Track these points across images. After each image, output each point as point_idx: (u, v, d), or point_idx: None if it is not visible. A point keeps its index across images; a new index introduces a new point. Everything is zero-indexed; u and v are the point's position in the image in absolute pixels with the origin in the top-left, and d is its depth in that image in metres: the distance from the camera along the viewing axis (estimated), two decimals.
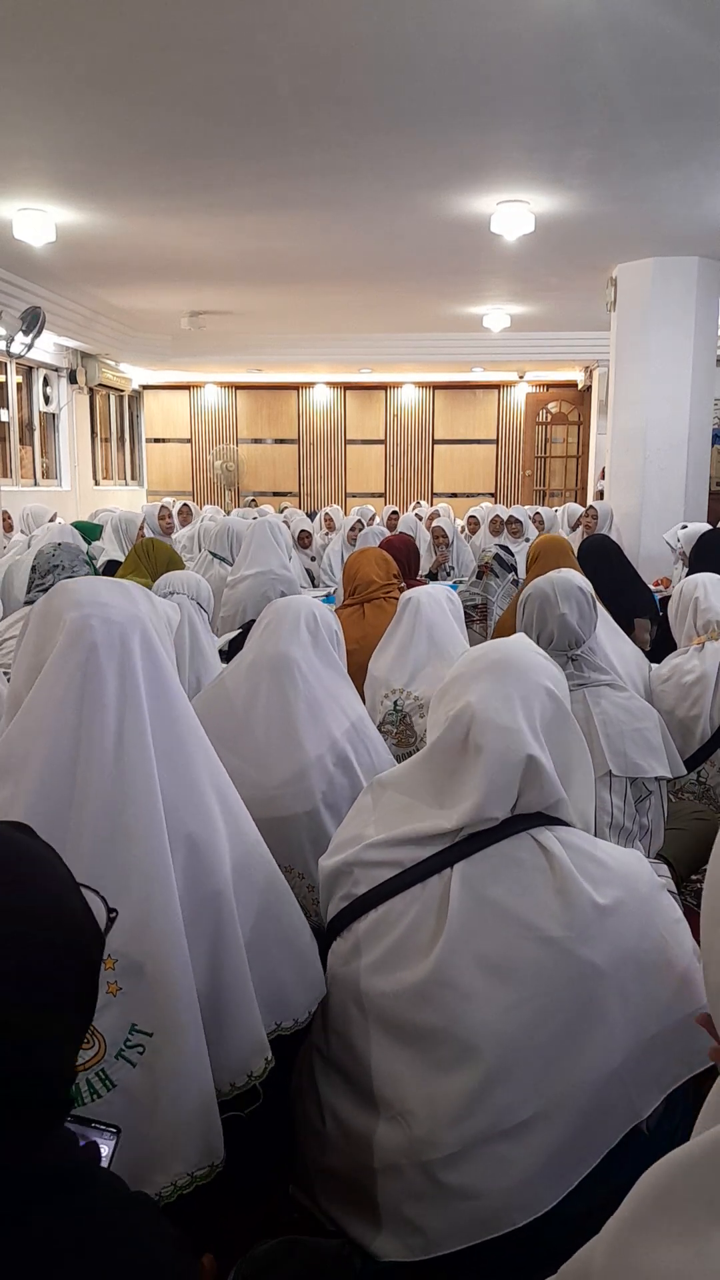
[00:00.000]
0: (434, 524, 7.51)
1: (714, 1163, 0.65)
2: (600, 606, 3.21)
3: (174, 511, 6.84)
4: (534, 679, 1.45)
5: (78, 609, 1.33)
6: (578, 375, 13.18)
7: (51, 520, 6.97)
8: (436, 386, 14.20)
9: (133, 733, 1.29)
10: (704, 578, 3.24)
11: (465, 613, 3.33)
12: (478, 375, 13.55)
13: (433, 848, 1.42)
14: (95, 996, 0.87)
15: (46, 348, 9.60)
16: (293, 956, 1.48)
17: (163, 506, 6.55)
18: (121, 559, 6.05)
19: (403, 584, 3.80)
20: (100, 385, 11.28)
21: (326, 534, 8.07)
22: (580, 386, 13.29)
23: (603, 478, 8.44)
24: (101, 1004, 1.23)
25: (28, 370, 9.87)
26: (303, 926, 1.54)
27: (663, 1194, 0.69)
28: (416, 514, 8.79)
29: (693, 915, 1.18)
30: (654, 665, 3.19)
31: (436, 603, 2.96)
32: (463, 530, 8.47)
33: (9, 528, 7.16)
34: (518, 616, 2.55)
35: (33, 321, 7.82)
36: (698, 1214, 0.65)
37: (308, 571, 7.19)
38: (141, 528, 6.47)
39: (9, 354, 8.29)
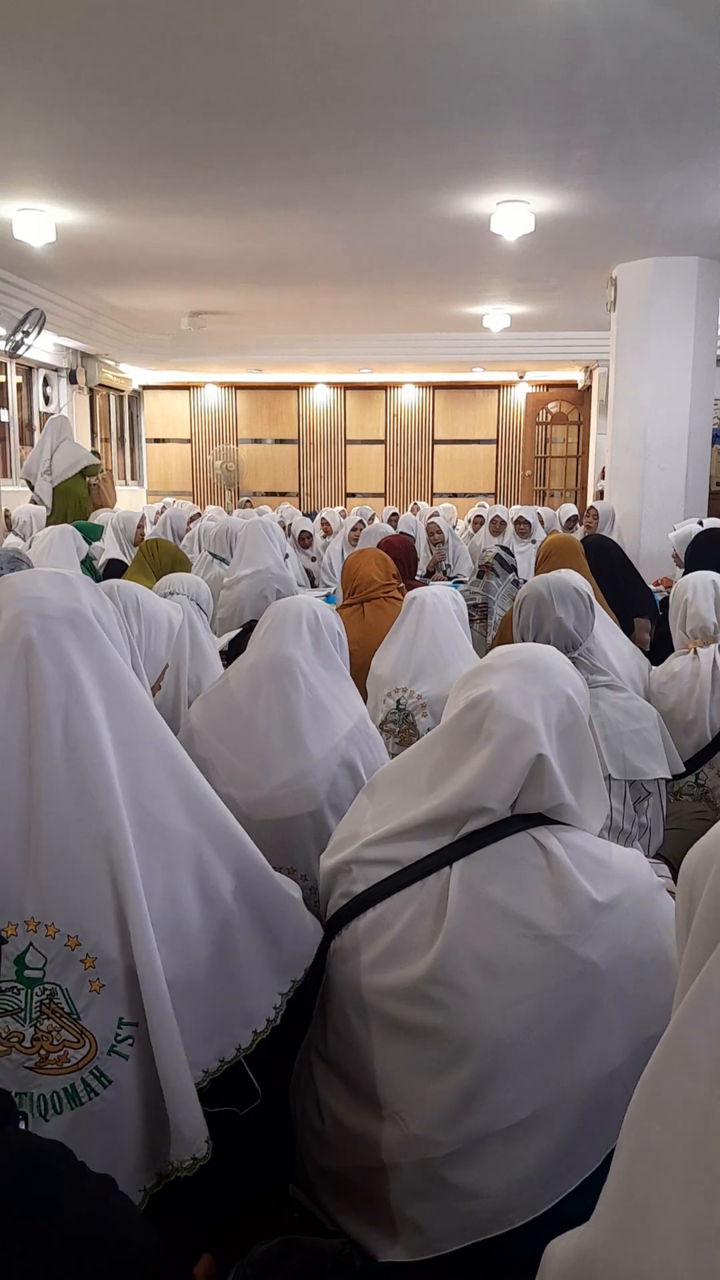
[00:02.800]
0: (429, 521, 7.52)
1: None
2: (600, 606, 3.21)
3: (184, 515, 6.90)
4: (558, 684, 1.46)
5: (13, 605, 1.33)
6: (578, 375, 13.18)
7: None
8: (436, 386, 14.20)
9: (80, 722, 1.28)
10: (695, 579, 3.20)
11: (466, 612, 3.34)
12: (478, 375, 13.55)
13: (431, 846, 1.42)
14: None
15: (46, 348, 9.59)
16: (270, 939, 1.46)
17: (142, 517, 6.65)
18: (122, 558, 6.06)
19: (401, 584, 3.80)
20: (100, 385, 11.28)
21: (324, 537, 8.07)
22: (580, 386, 13.29)
23: (603, 478, 8.44)
24: (85, 1003, 1.23)
25: (28, 370, 9.87)
26: (285, 902, 1.52)
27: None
28: (418, 514, 8.80)
29: None
30: (654, 667, 3.19)
31: (441, 603, 2.96)
32: (466, 530, 8.48)
33: (9, 527, 7.16)
34: (514, 619, 2.55)
35: (33, 324, 7.83)
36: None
37: (307, 572, 7.20)
38: (141, 526, 6.49)
39: (8, 354, 8.29)
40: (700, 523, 5.83)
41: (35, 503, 7.78)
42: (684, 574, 4.78)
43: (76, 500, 7.80)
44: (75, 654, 1.31)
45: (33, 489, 7.99)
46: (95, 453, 8.93)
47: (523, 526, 7.26)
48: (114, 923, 1.25)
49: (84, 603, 1.36)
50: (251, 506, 11.21)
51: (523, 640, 2.45)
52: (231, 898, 1.40)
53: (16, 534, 6.82)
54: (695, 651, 3.02)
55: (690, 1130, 0.67)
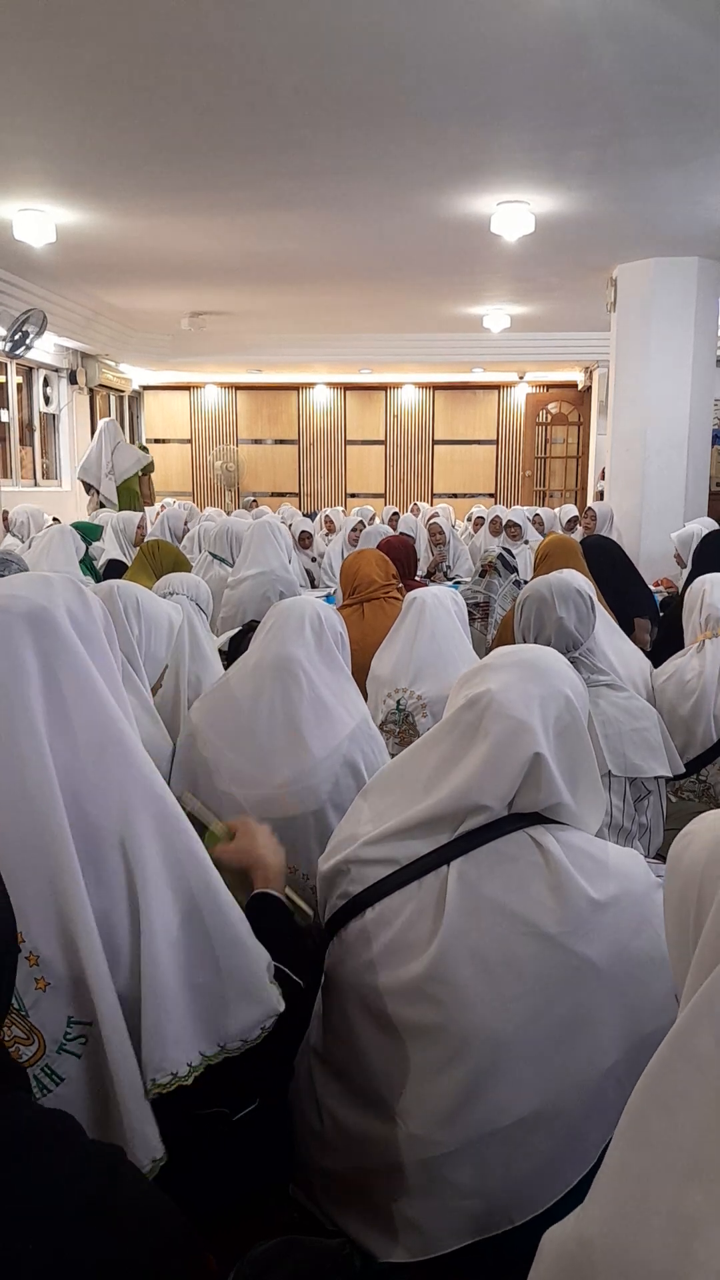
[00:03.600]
0: (430, 521, 7.52)
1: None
2: (601, 607, 3.21)
3: (181, 516, 6.92)
4: (557, 685, 1.46)
5: None
6: (578, 376, 13.18)
7: (55, 522, 6.99)
8: (436, 387, 14.21)
9: (20, 717, 1.27)
10: (716, 576, 3.24)
11: (467, 611, 3.34)
12: (478, 375, 13.56)
13: (429, 845, 1.42)
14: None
15: (46, 348, 9.60)
16: (222, 977, 1.33)
17: (143, 517, 6.77)
18: (122, 558, 6.07)
19: (401, 585, 3.81)
20: (100, 385, 11.28)
21: (327, 535, 8.07)
22: (580, 387, 13.29)
23: (602, 478, 8.44)
24: (33, 1000, 1.23)
25: (28, 370, 9.87)
26: (242, 944, 1.36)
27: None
28: (418, 514, 8.80)
29: None
30: (654, 669, 3.19)
31: (441, 603, 2.96)
32: (466, 530, 8.49)
33: (8, 529, 7.16)
34: (515, 619, 2.55)
35: (34, 324, 7.83)
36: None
37: (307, 572, 7.20)
38: (141, 527, 6.49)
39: (8, 354, 8.30)
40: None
41: (103, 505, 8.68)
42: (688, 574, 4.80)
43: (133, 495, 9.07)
44: (25, 650, 1.30)
45: (90, 490, 9.11)
46: (144, 448, 9.98)
47: (514, 530, 7.26)
48: (55, 928, 1.23)
49: (56, 603, 1.34)
50: (257, 506, 11.25)
51: (524, 641, 2.46)
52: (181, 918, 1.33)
53: (15, 534, 6.82)
54: (704, 643, 3.02)
55: (695, 1124, 0.69)
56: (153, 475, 9.92)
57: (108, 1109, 1.25)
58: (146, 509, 8.99)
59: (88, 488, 9.29)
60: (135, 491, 9.16)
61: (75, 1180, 0.82)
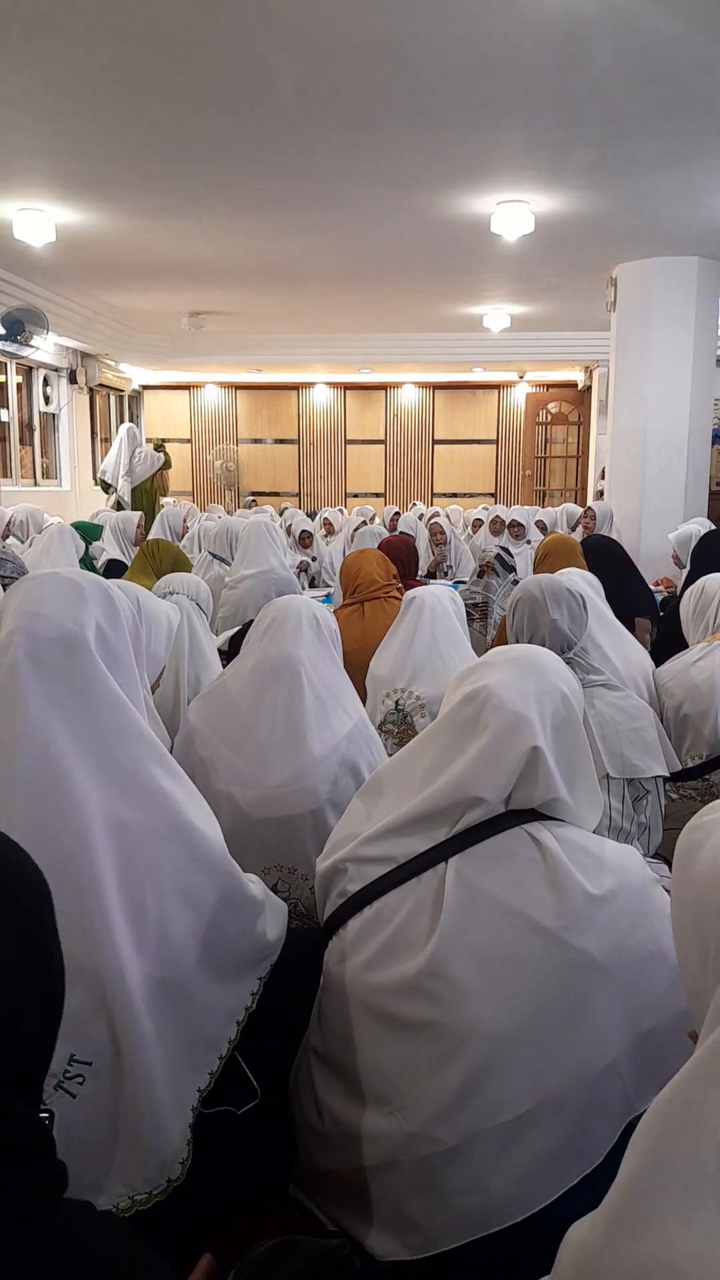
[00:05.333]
0: (431, 521, 7.52)
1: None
2: (608, 610, 3.21)
3: (180, 515, 6.91)
4: (553, 681, 1.48)
5: (13, 619, 1.32)
6: (578, 375, 13.18)
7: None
8: (436, 386, 14.20)
9: (56, 748, 1.27)
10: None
11: (466, 611, 3.33)
12: (478, 375, 13.55)
13: (427, 842, 1.42)
14: (51, 955, 0.83)
15: (47, 348, 9.60)
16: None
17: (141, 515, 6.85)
18: (122, 558, 6.06)
19: (401, 584, 3.81)
20: (100, 385, 11.28)
21: (326, 536, 8.07)
22: (580, 387, 13.29)
23: (602, 478, 8.44)
24: None
25: (28, 370, 9.87)
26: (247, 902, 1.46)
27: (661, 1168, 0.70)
28: (419, 514, 8.80)
29: None
30: (656, 669, 3.19)
31: (440, 603, 2.96)
32: (465, 531, 8.48)
33: (6, 535, 7.14)
34: (508, 621, 2.56)
35: (34, 323, 7.80)
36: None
37: (307, 572, 7.20)
38: (140, 526, 6.49)
39: (7, 353, 8.28)
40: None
41: (120, 506, 9.44)
42: (686, 575, 4.79)
43: (151, 494, 10.10)
44: (60, 678, 1.29)
45: (108, 490, 10.08)
46: (159, 449, 10.84)
47: (516, 529, 7.26)
48: (73, 965, 1.23)
49: (86, 623, 1.34)
50: (257, 505, 11.29)
51: (518, 642, 2.46)
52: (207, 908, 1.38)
53: (15, 534, 6.82)
54: (712, 643, 3.01)
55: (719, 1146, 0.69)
56: (167, 471, 10.98)
57: (96, 1154, 1.23)
58: (161, 499, 10.07)
59: (106, 487, 10.14)
60: (149, 489, 10.09)
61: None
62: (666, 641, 3.96)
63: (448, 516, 8.45)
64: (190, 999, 1.33)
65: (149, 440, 13.74)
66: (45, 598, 1.35)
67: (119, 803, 1.30)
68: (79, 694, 1.30)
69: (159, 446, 11.02)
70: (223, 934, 1.39)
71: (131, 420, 13.46)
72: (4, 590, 3.07)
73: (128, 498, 9.72)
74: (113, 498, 9.94)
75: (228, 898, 1.41)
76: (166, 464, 10.51)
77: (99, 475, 10.39)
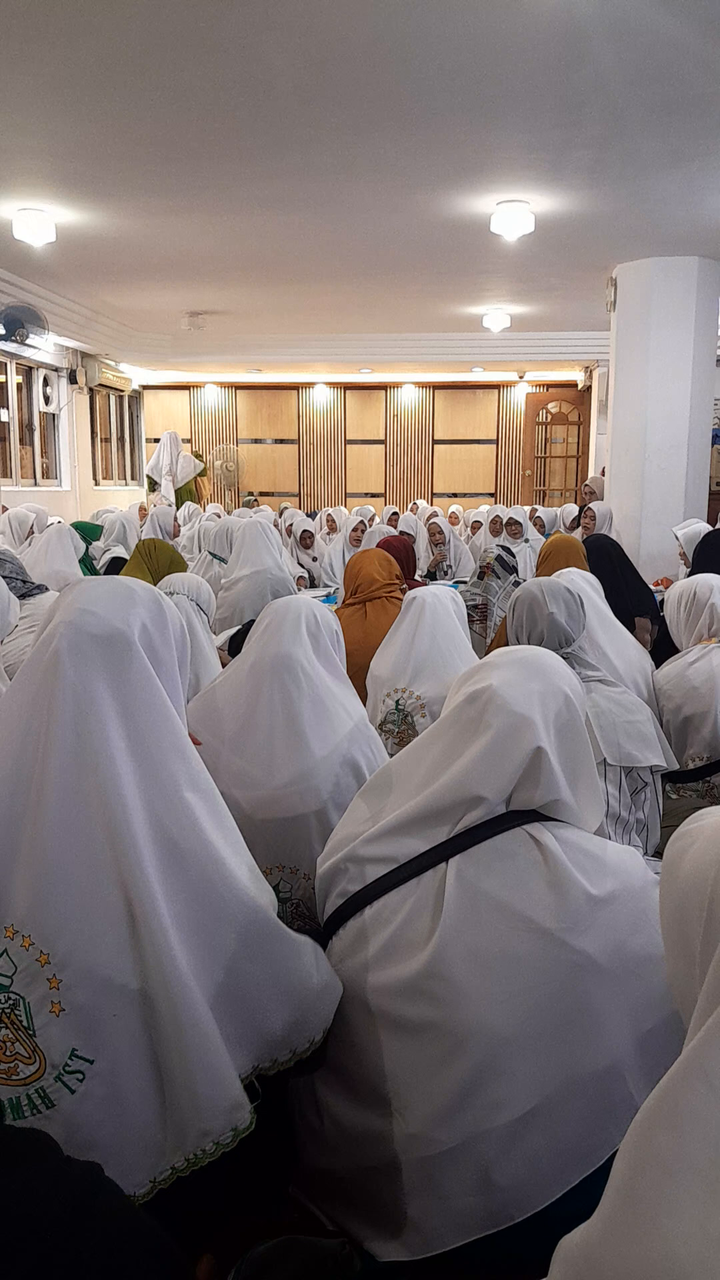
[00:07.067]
0: (430, 521, 7.51)
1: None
2: (608, 609, 3.21)
3: (171, 514, 6.93)
4: (557, 683, 1.48)
5: (63, 613, 1.33)
6: (578, 375, 13.18)
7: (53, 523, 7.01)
8: (436, 386, 14.20)
9: (97, 739, 1.27)
10: (712, 578, 3.23)
11: (466, 612, 3.33)
12: (478, 375, 13.55)
13: (427, 842, 1.42)
14: None
15: (47, 348, 9.60)
16: (278, 1003, 1.37)
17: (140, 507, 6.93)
18: (125, 555, 6.07)
19: (404, 585, 3.81)
20: (100, 385, 11.28)
21: (328, 534, 8.07)
22: (580, 386, 13.29)
23: (603, 475, 8.43)
24: (44, 1022, 1.22)
25: (28, 370, 9.87)
26: (295, 968, 1.40)
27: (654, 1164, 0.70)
28: (417, 513, 8.80)
29: None
30: (656, 669, 3.19)
31: (441, 603, 2.96)
32: (465, 531, 8.48)
33: (29, 535, 7.15)
34: (508, 619, 2.57)
35: (31, 321, 7.80)
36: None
37: (308, 571, 7.20)
38: (177, 521, 6.50)
39: (7, 352, 8.28)
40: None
41: (160, 503, 10.45)
42: (689, 574, 4.79)
43: (193, 496, 12.30)
44: (100, 674, 1.29)
45: (154, 487, 12.31)
46: (198, 455, 13.11)
47: (514, 527, 7.26)
48: (93, 960, 1.22)
49: (132, 625, 1.34)
50: (257, 505, 11.32)
51: (517, 640, 2.48)
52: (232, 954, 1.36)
53: (14, 533, 6.83)
54: (709, 646, 3.01)
55: (708, 1142, 0.69)
56: (204, 479, 13.24)
57: (89, 1149, 1.22)
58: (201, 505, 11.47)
59: (153, 484, 12.39)
60: (192, 491, 12.55)
61: (52, 1193, 0.81)
62: (666, 641, 3.96)
63: (450, 516, 8.45)
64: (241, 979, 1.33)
65: (149, 440, 13.87)
66: (98, 598, 1.36)
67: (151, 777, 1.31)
68: (121, 684, 1.31)
69: (198, 455, 12.62)
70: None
71: (132, 420, 13.47)
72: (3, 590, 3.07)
73: (171, 496, 11.35)
74: (158, 493, 11.56)
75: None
76: (203, 471, 12.04)
77: (147, 472, 12.52)
